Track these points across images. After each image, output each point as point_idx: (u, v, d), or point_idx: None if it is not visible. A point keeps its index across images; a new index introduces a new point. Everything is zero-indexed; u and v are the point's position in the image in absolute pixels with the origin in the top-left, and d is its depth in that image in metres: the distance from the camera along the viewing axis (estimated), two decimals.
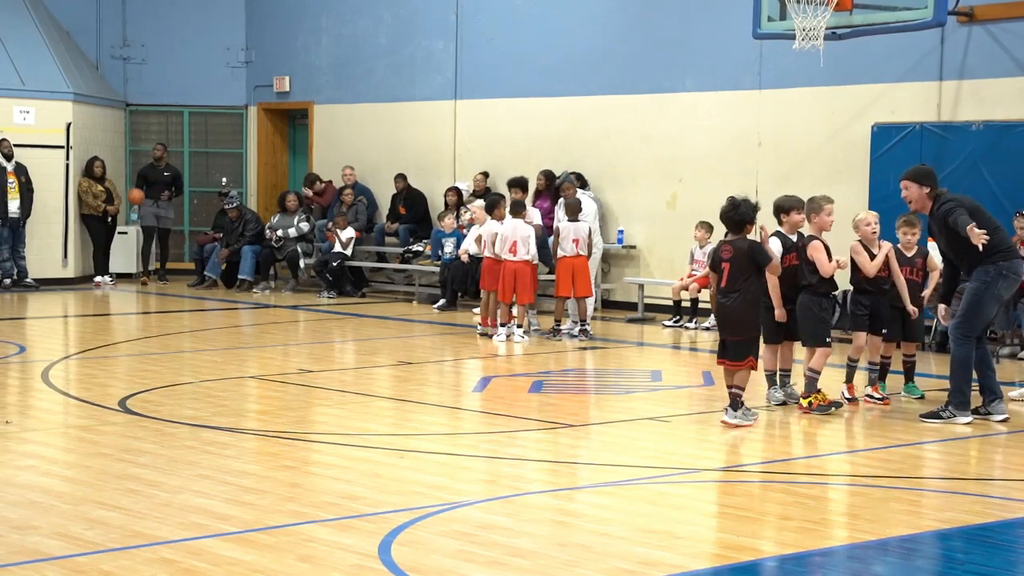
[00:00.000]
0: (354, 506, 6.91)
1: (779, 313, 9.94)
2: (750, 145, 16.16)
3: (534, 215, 14.93)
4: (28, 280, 19.20)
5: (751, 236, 9.56)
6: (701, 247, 15.34)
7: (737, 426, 9.24)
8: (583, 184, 16.59)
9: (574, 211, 14.30)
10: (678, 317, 15.63)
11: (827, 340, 9.92)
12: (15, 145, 19.13)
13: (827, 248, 9.96)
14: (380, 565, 5.81)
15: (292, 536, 6.31)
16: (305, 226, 19.61)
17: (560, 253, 14.26)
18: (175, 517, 6.61)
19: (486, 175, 18.25)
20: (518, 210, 14.31)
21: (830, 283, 10.01)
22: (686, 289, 15.49)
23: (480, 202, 15.89)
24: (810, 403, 9.85)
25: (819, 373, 9.90)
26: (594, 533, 6.52)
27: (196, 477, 7.51)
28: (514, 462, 8.24)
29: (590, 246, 14.38)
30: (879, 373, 10.47)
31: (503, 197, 14.94)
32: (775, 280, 9.91)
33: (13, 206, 19.02)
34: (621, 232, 17.20)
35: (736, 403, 9.31)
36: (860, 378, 10.56)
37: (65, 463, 8.09)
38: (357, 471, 7.81)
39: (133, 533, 6.28)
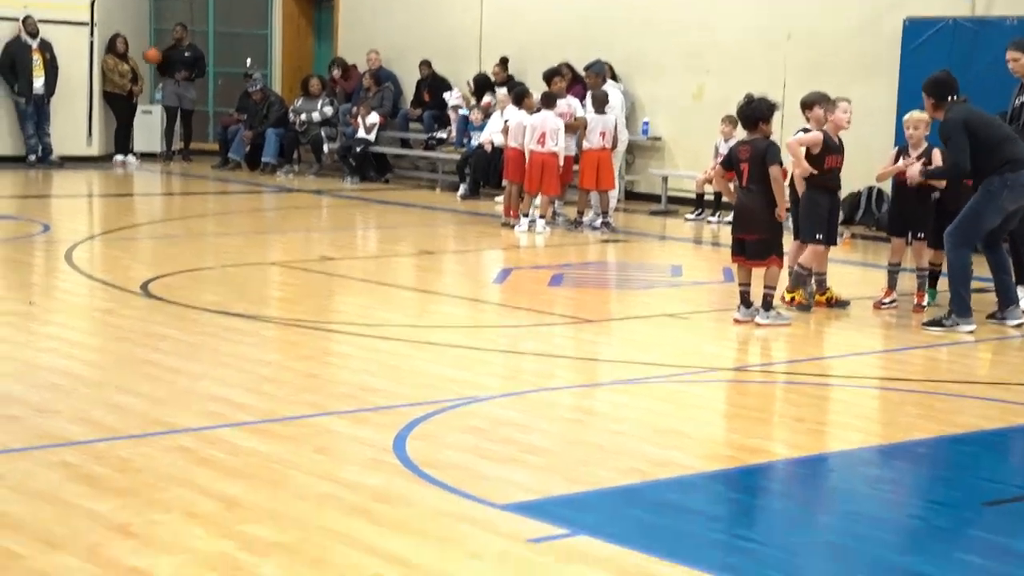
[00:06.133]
0: (371, 398, 6.97)
1: (779, 211, 9.62)
2: (779, 37, 15.95)
3: (575, 105, 14.74)
4: (53, 157, 19.23)
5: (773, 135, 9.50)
6: (726, 141, 15.21)
7: (769, 326, 9.25)
8: (613, 76, 16.43)
9: (601, 103, 14.18)
10: (700, 210, 15.59)
11: (818, 236, 9.85)
12: (39, 21, 19.02)
13: (831, 145, 9.82)
14: (395, 459, 5.88)
15: (309, 428, 6.39)
16: (328, 110, 19.53)
17: (586, 145, 14.18)
18: (194, 405, 6.69)
19: (505, 63, 18.00)
20: (549, 102, 14.20)
21: (830, 178, 9.90)
22: (710, 182, 15.35)
23: (504, 91, 15.77)
24: (793, 298, 9.83)
25: (807, 269, 9.85)
26: (608, 432, 6.58)
27: (216, 364, 7.59)
28: (532, 357, 8.28)
29: (615, 139, 14.29)
30: (928, 280, 10.32)
31: (525, 86, 14.81)
32: (779, 176, 9.59)
33: (38, 83, 18.98)
34: (646, 124, 17.07)
35: (768, 304, 9.32)
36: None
37: (87, 346, 8.17)
38: (375, 362, 7.87)
39: (152, 420, 6.37)
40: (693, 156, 16.63)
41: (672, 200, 16.51)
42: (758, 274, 9.43)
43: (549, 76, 15.24)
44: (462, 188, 17.14)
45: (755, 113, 9.40)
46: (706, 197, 15.63)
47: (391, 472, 5.71)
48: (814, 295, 10.04)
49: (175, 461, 5.72)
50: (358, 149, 18.75)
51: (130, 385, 7.03)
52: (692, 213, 15.68)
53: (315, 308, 9.73)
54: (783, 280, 9.89)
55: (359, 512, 5.17)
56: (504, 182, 14.69)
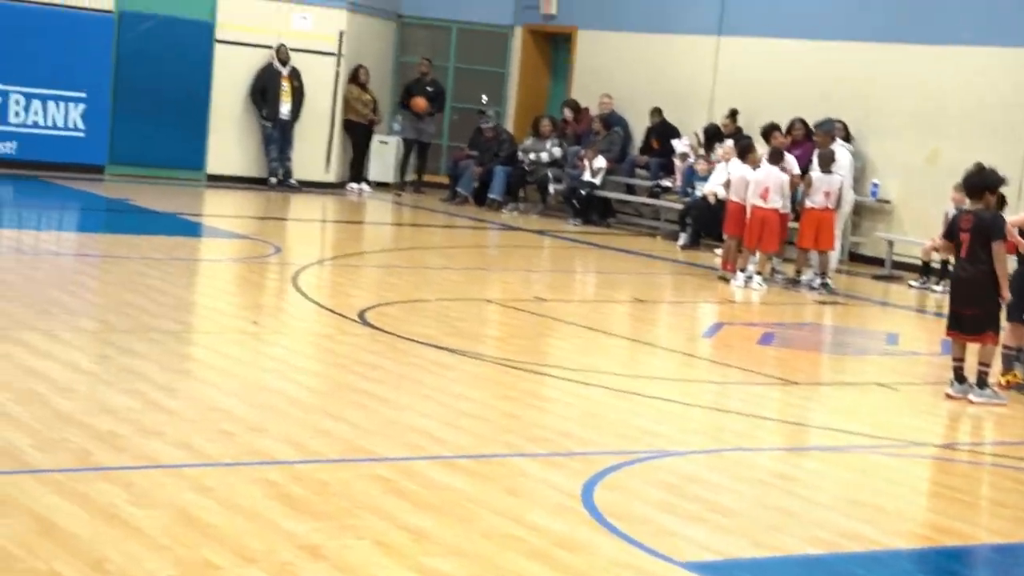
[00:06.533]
0: (566, 443, 7.08)
1: (1002, 291, 9.23)
2: (1021, 104, 15.49)
3: (792, 163, 14.67)
4: (292, 181, 20.00)
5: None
6: (956, 208, 14.83)
7: (984, 405, 9.02)
8: (846, 135, 16.25)
9: (827, 162, 14.04)
10: (925, 278, 15.23)
11: None
12: (291, 50, 19.86)
13: None
14: (581, 507, 5.97)
15: (502, 467, 6.53)
16: (557, 151, 19.81)
17: (808, 204, 14.05)
18: (395, 435, 6.91)
19: (735, 115, 17.96)
20: (777, 158, 14.13)
21: None
22: (937, 250, 15.03)
23: (730, 143, 15.75)
24: (1008, 381, 9.50)
25: (1014, 349, 9.54)
26: (800, 498, 6.53)
27: (421, 397, 7.81)
28: (732, 415, 8.27)
29: (840, 200, 14.12)
30: None
31: (751, 140, 14.79)
32: (1002, 253, 9.37)
33: (284, 109, 19.80)
34: (875, 185, 16.79)
35: (983, 381, 9.09)
36: None
37: (304, 370, 8.52)
38: (575, 407, 7.99)
39: (354, 447, 6.61)
40: (922, 222, 16.24)
41: (897, 265, 16.16)
42: (974, 349, 9.22)
43: (768, 132, 15.20)
44: (682, 238, 17.16)
45: (982, 182, 9.21)
46: (932, 265, 15.25)
47: (577, 519, 5.80)
48: None
49: (370, 489, 5.94)
50: (583, 192, 18.96)
51: (338, 411, 7.31)
52: (917, 280, 15.33)
53: (523, 348, 9.90)
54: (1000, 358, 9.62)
55: (542, 556, 5.28)
56: (724, 235, 14.65)
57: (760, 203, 13.89)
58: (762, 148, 14.73)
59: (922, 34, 16.54)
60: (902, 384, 9.63)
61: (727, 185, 14.71)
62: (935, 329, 12.72)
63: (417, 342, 9.42)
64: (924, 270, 15.33)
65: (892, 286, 15.46)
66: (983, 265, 9.05)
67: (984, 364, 9.12)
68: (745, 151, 14.41)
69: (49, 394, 6.99)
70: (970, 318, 9.12)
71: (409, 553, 5.18)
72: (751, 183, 14.01)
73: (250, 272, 12.43)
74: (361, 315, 10.26)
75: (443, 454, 6.63)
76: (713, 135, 18.06)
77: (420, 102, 20.87)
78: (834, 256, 14.50)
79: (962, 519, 6.55)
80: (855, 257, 16.91)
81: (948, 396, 9.17)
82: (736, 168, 14.49)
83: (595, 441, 7.22)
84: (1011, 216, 9.93)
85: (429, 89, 21.13)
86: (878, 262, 16.44)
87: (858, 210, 16.69)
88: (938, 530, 6.30)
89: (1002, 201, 10.30)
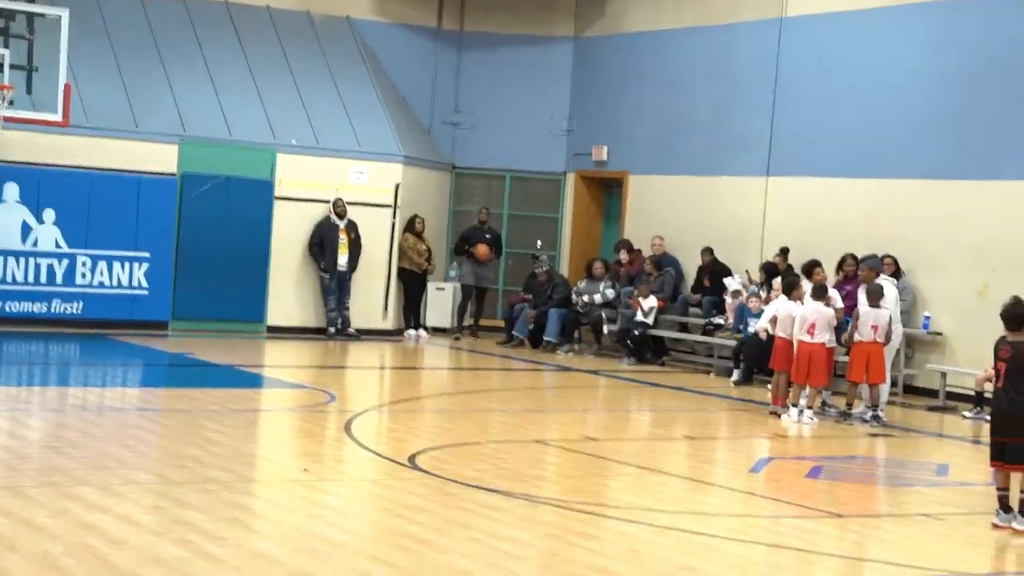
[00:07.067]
0: None
1: None
2: None
3: (836, 298, 14.84)
4: (351, 330, 20.39)
5: None
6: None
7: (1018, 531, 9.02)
8: (896, 270, 16.42)
9: (875, 297, 14.19)
10: (979, 408, 15.19)
11: None
12: (347, 203, 20.40)
13: None
14: None
15: None
16: (610, 292, 20.09)
17: (857, 338, 14.16)
18: None
19: (786, 253, 18.17)
20: (820, 294, 14.29)
21: None
22: (990, 381, 15.01)
23: (778, 280, 15.95)
24: None
25: None
26: None
27: (465, 539, 7.95)
28: (769, 549, 8.32)
29: (889, 333, 14.21)
30: None
31: (799, 278, 14.99)
32: None
33: (342, 260, 20.29)
34: (927, 318, 16.86)
35: (1005, 506, 9.09)
36: None
37: (350, 515, 8.70)
38: (616, 545, 8.10)
39: None
40: (975, 353, 16.23)
41: (951, 396, 16.16)
42: (1018, 478, 9.22)
43: (808, 269, 15.39)
44: (735, 374, 17.29)
45: (1020, 314, 9.32)
46: (986, 395, 15.22)
47: None
48: None
49: None
50: (636, 331, 19.17)
51: (381, 554, 7.48)
52: (970, 411, 15.30)
53: (569, 488, 10.03)
54: None
55: None
56: (772, 370, 14.75)
57: (807, 338, 14.02)
58: (807, 284, 14.89)
59: (966, 171, 16.78)
60: (950, 515, 9.63)
61: (774, 321, 14.86)
62: (986, 459, 12.67)
63: (466, 485, 9.59)
64: (978, 400, 15.30)
65: (946, 417, 15.44)
66: (1021, 396, 9.11)
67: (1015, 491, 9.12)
68: (790, 288, 14.61)
69: (101, 546, 7.22)
70: (1012, 447, 9.15)
71: None
72: (797, 319, 14.17)
73: (304, 421, 12.70)
74: (412, 459, 10.45)
75: None
76: (771, 273, 18.21)
77: (483, 249, 21.33)
78: (885, 389, 14.55)
79: None
80: (909, 389, 16.92)
81: (994, 526, 9.17)
82: (782, 305, 14.66)
83: None
84: None
85: (487, 236, 21.58)
86: (932, 394, 16.44)
87: (911, 343, 16.76)
88: None
89: None
